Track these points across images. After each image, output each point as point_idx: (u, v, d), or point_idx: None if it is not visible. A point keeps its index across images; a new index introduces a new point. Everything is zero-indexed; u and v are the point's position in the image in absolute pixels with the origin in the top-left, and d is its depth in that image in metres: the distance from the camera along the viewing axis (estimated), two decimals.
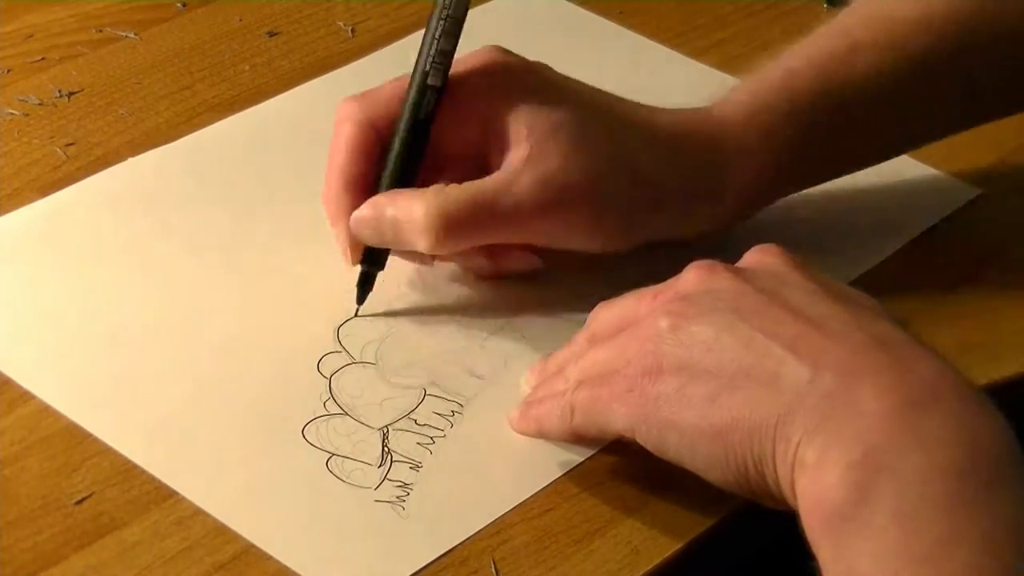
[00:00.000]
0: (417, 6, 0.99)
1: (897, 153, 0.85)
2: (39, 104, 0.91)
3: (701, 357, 0.64)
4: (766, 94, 0.80)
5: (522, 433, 0.72)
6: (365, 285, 0.78)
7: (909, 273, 0.83)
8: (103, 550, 0.67)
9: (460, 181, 0.76)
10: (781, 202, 0.85)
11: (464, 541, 0.68)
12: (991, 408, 0.60)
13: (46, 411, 0.73)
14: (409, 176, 0.77)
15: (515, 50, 0.86)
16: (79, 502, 0.69)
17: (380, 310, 0.79)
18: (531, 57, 0.83)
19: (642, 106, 0.80)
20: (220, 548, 0.67)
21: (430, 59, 0.77)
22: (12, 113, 0.90)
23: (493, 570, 0.67)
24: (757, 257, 0.69)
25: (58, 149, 0.87)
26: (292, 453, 0.71)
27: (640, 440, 0.66)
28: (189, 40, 0.96)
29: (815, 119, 0.80)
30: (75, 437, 0.72)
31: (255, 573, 0.67)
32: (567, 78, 0.80)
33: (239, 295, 0.79)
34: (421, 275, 0.81)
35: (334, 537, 0.68)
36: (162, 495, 0.69)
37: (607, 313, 0.71)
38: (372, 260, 0.78)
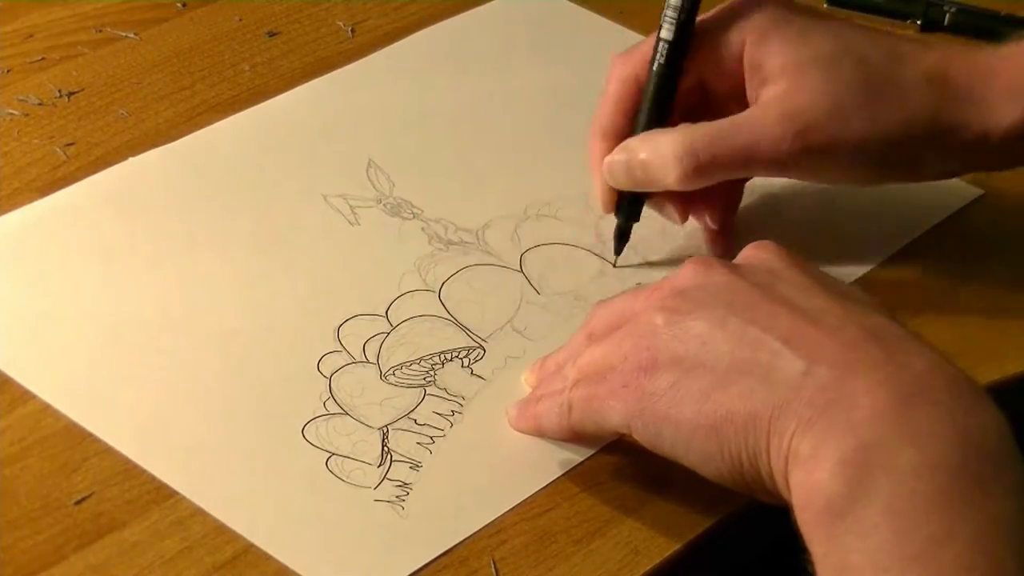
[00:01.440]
0: (417, 6, 0.99)
1: None
2: (39, 104, 0.91)
3: (696, 351, 0.64)
4: None
5: (520, 431, 0.72)
6: (622, 238, 0.81)
7: (909, 273, 0.83)
8: (103, 550, 0.67)
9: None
10: (781, 201, 0.85)
11: (464, 541, 0.68)
12: (987, 402, 0.60)
13: (46, 411, 0.73)
14: (658, 123, 0.80)
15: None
16: (79, 502, 0.69)
17: (381, 311, 0.79)
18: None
19: (905, 40, 0.80)
20: (220, 548, 0.67)
21: (663, 14, 0.79)
22: (12, 113, 0.90)
23: (493, 570, 0.67)
24: (753, 253, 0.69)
25: (58, 149, 0.87)
26: (292, 453, 0.71)
27: (636, 435, 0.66)
28: (189, 40, 0.96)
29: None
30: (75, 437, 0.72)
31: (255, 573, 0.67)
32: (826, 14, 0.81)
33: (239, 295, 0.79)
34: (421, 274, 0.81)
35: (334, 537, 0.68)
36: (162, 495, 0.69)
37: (604, 311, 0.71)
38: (628, 213, 0.81)
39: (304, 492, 0.70)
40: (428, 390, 0.75)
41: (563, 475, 0.71)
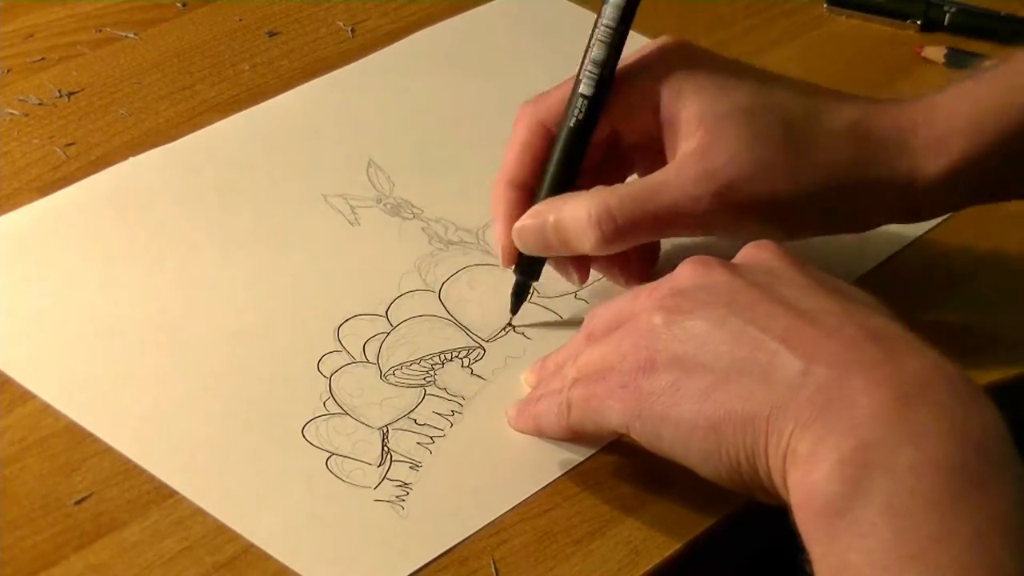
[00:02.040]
0: (417, 6, 0.99)
1: None
2: (39, 104, 0.91)
3: (695, 351, 0.64)
4: (976, 91, 0.76)
5: (519, 431, 0.72)
6: (520, 296, 0.78)
7: (910, 273, 0.83)
8: (103, 550, 0.67)
9: (643, 174, 0.76)
10: None
11: (464, 541, 0.68)
12: (985, 402, 0.60)
13: (46, 411, 0.73)
14: (567, 183, 0.77)
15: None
16: (79, 502, 0.69)
17: (381, 311, 0.79)
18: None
19: (826, 92, 0.77)
20: (220, 548, 0.67)
21: (584, 68, 0.77)
22: (12, 113, 0.90)
23: (493, 570, 0.67)
24: (752, 252, 0.69)
25: (58, 149, 0.87)
26: (292, 453, 0.71)
27: (635, 435, 0.66)
28: (189, 40, 0.96)
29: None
30: (75, 437, 0.72)
31: (255, 573, 0.67)
32: (746, 66, 0.78)
33: (239, 295, 0.79)
34: (421, 274, 0.81)
35: (334, 537, 0.68)
36: (162, 495, 0.69)
37: (604, 311, 0.71)
38: (526, 271, 0.78)
39: (304, 492, 0.70)
40: (428, 390, 0.75)
41: (563, 475, 0.71)
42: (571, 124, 0.77)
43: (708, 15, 1.00)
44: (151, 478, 0.70)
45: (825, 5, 1.02)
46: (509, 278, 0.81)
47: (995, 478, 0.57)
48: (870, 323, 0.62)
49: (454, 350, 0.77)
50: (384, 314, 0.78)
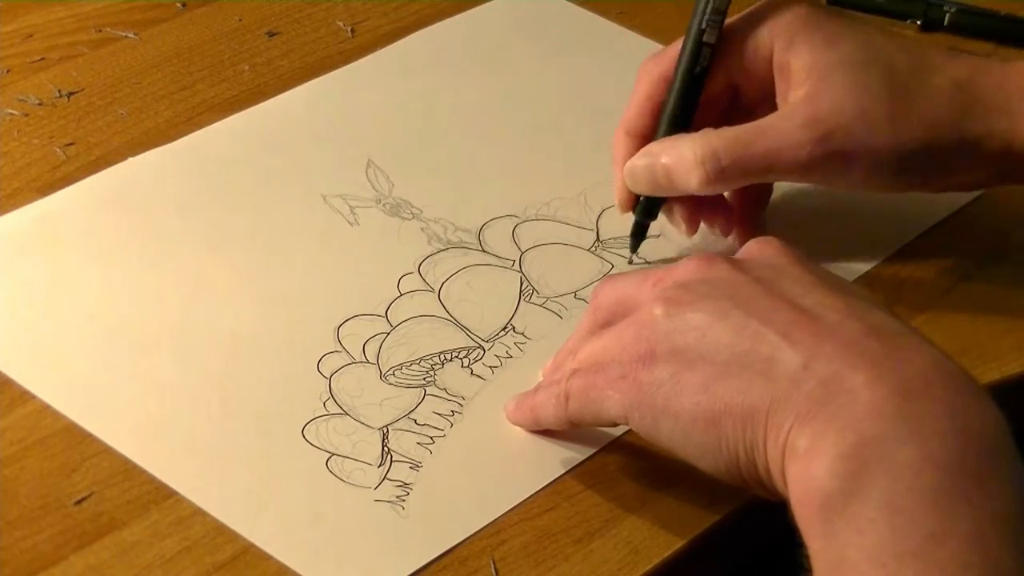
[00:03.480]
0: (417, 6, 0.99)
1: None
2: (39, 104, 0.91)
3: (695, 343, 0.64)
4: None
5: (517, 424, 0.72)
6: (638, 236, 0.82)
7: (909, 273, 0.83)
8: (103, 550, 0.67)
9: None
10: (782, 202, 0.85)
11: (463, 541, 0.68)
12: (986, 399, 0.60)
13: (46, 411, 0.73)
14: (680, 126, 0.80)
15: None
16: (79, 502, 0.69)
17: (380, 311, 0.79)
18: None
19: (935, 49, 0.79)
20: (220, 548, 0.67)
21: (706, 16, 0.79)
22: (12, 113, 0.90)
23: (493, 570, 0.67)
24: (756, 248, 0.69)
25: (57, 149, 0.87)
26: (292, 453, 0.71)
27: (634, 426, 0.66)
28: (189, 40, 0.96)
29: None
30: (75, 437, 0.72)
31: (255, 573, 0.67)
32: (857, 20, 0.80)
33: (239, 295, 0.79)
34: (422, 274, 0.81)
35: (334, 537, 0.68)
36: (162, 495, 0.69)
37: (609, 291, 0.71)
38: (645, 211, 0.81)
39: (304, 492, 0.70)
40: (428, 390, 0.75)
41: (563, 475, 0.71)
42: (684, 68, 0.80)
43: None
44: (151, 478, 0.70)
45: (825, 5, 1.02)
46: (509, 278, 0.81)
47: (995, 476, 0.57)
48: (872, 319, 0.62)
49: (454, 350, 0.77)
50: (384, 314, 0.78)
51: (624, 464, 0.72)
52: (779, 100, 0.79)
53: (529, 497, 0.70)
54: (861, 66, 0.77)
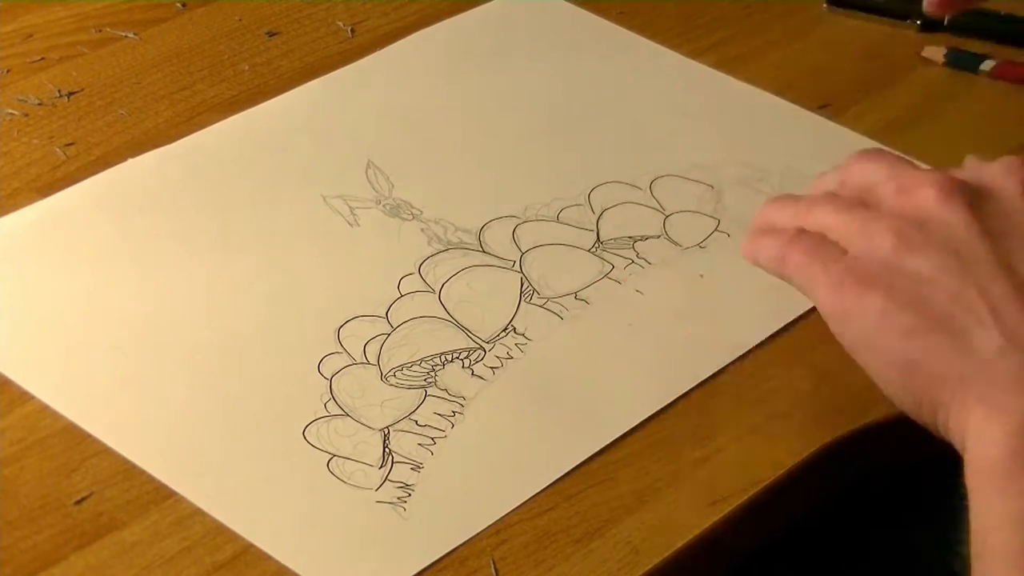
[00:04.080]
0: (417, 6, 0.99)
1: None
2: (39, 104, 0.91)
3: (913, 288, 0.67)
4: None
5: (744, 256, 0.74)
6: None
7: None
8: (103, 550, 0.67)
9: None
10: None
11: (464, 541, 0.68)
12: None
13: (46, 411, 0.73)
14: None
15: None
16: (79, 502, 0.69)
17: (381, 312, 0.79)
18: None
19: None
20: (220, 548, 0.67)
21: None
22: (12, 113, 0.90)
23: (493, 570, 0.67)
24: (1000, 175, 0.70)
25: (58, 149, 0.87)
26: (293, 454, 0.71)
27: (832, 328, 0.69)
28: (189, 40, 0.96)
29: None
30: (74, 437, 0.72)
31: (255, 573, 0.67)
32: None
33: (239, 296, 0.79)
34: (422, 275, 0.81)
35: (335, 538, 0.68)
36: (162, 495, 0.69)
37: (859, 172, 0.73)
38: None
39: (305, 494, 0.70)
40: (429, 391, 0.75)
41: (563, 475, 0.71)
42: None
43: (708, 15, 1.00)
44: (151, 478, 0.70)
45: (825, 5, 1.02)
46: (509, 279, 0.81)
47: None
48: None
49: (455, 351, 0.77)
50: (384, 315, 0.78)
51: (624, 464, 0.72)
52: None
53: (529, 497, 0.70)
54: None
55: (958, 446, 0.65)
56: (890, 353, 0.67)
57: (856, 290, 0.68)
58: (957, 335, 0.65)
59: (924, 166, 0.73)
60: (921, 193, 0.69)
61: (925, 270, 0.67)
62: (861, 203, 0.71)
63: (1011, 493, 0.62)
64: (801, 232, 0.72)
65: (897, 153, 0.76)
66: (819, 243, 0.71)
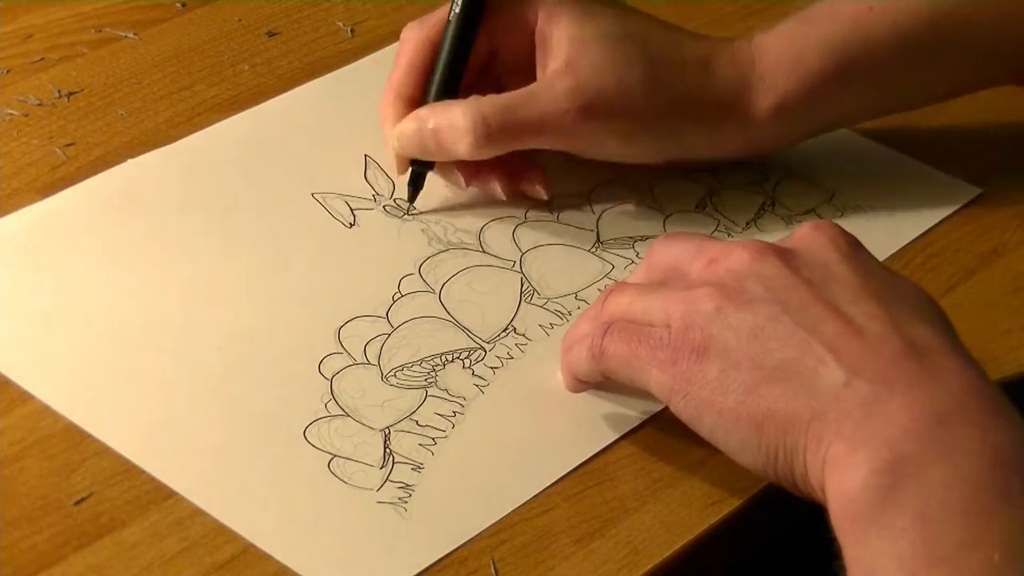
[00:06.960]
0: (417, 6, 0.99)
1: (916, 106, 0.88)
2: (38, 104, 0.91)
3: (745, 345, 0.66)
4: (801, 27, 0.84)
5: (567, 388, 0.74)
6: (416, 184, 0.84)
7: (909, 273, 0.83)
8: (103, 550, 0.67)
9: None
10: None
11: (464, 541, 0.68)
12: (1014, 418, 0.62)
13: (46, 411, 0.73)
14: (450, 91, 0.84)
15: None
16: (79, 502, 0.69)
17: (381, 312, 0.79)
18: None
19: (679, 29, 0.86)
20: (220, 548, 0.67)
21: None
22: (11, 113, 0.90)
23: (493, 570, 0.67)
24: (811, 236, 0.69)
25: (57, 149, 0.87)
26: (293, 455, 0.71)
27: (674, 410, 0.68)
28: (189, 40, 0.96)
29: (846, 57, 0.83)
30: (74, 437, 0.72)
31: (255, 573, 0.67)
32: (620, 2, 0.86)
33: (239, 296, 0.79)
34: (423, 275, 0.81)
35: (336, 538, 0.68)
36: (162, 495, 0.69)
37: (664, 253, 0.72)
38: (420, 163, 0.84)
39: (306, 494, 0.70)
40: (429, 391, 0.75)
41: (563, 475, 0.71)
42: (453, 34, 0.83)
43: (708, 15, 1.00)
44: (151, 478, 0.70)
45: None
46: (509, 279, 0.81)
47: (1021, 491, 0.59)
48: (915, 334, 0.64)
49: (455, 351, 0.77)
50: (385, 315, 0.78)
51: (624, 464, 0.72)
52: (539, 70, 0.83)
53: (529, 497, 0.70)
54: (618, 39, 0.82)
55: (817, 491, 0.64)
56: (737, 410, 0.65)
57: (691, 359, 0.67)
58: (800, 377, 0.64)
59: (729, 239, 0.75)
60: (734, 257, 0.68)
61: (754, 323, 0.66)
62: (664, 285, 0.71)
63: (888, 532, 0.59)
64: (609, 324, 0.70)
65: (701, 233, 0.79)
66: (633, 328, 0.69)
